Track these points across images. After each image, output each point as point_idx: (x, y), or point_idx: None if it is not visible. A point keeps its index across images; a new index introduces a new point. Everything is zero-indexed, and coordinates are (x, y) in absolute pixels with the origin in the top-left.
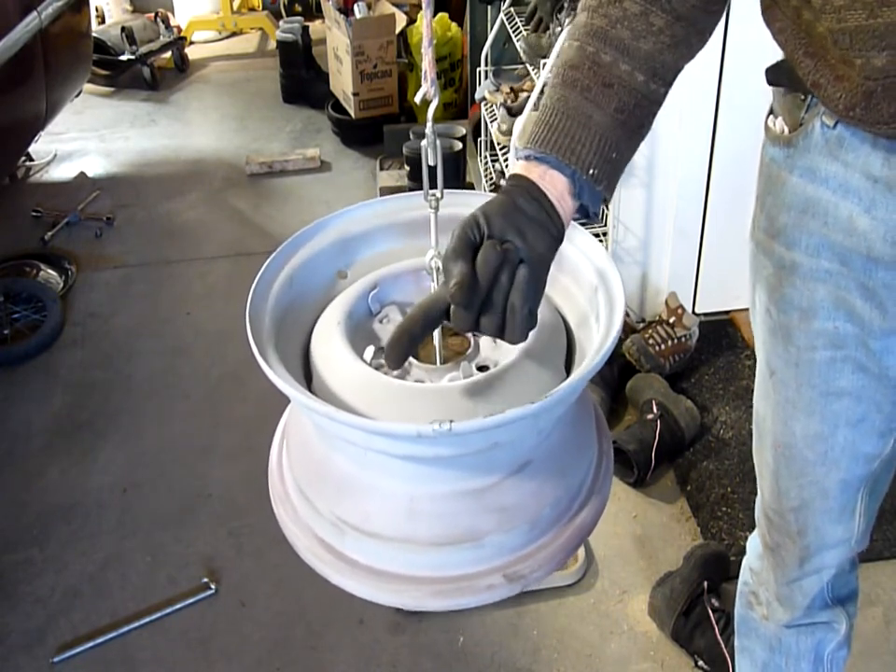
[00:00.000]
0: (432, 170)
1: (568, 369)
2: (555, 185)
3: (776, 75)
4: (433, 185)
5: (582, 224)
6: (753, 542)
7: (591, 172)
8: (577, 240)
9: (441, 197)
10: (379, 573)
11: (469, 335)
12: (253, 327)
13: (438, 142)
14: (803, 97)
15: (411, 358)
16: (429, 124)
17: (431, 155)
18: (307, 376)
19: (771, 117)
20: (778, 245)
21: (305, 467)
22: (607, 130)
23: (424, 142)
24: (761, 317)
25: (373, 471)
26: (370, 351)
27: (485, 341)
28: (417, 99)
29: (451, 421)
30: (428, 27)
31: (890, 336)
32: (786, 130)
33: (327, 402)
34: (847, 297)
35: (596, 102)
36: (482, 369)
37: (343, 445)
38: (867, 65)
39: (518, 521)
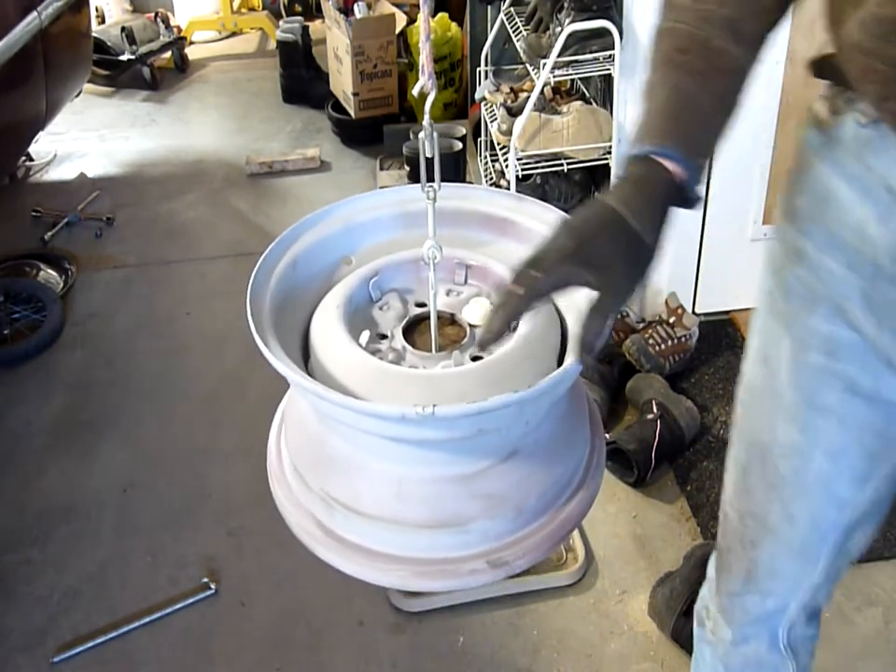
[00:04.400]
0: (429, 162)
1: (562, 362)
2: (679, 174)
3: (819, 70)
4: (430, 178)
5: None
6: (714, 554)
7: (701, 162)
8: None
9: (438, 189)
10: (366, 551)
11: (466, 325)
12: (253, 306)
13: (435, 135)
14: (843, 90)
15: (406, 345)
16: (426, 117)
17: (428, 148)
18: (306, 357)
19: (820, 100)
20: (792, 228)
21: (300, 445)
22: (713, 117)
23: (421, 134)
24: (764, 300)
25: (364, 452)
26: (365, 335)
27: (481, 332)
28: (415, 92)
29: (434, 405)
30: (426, 21)
31: (885, 354)
32: (827, 116)
33: (321, 383)
34: (847, 306)
35: (708, 88)
36: (475, 359)
37: (336, 425)
38: None
39: (503, 508)
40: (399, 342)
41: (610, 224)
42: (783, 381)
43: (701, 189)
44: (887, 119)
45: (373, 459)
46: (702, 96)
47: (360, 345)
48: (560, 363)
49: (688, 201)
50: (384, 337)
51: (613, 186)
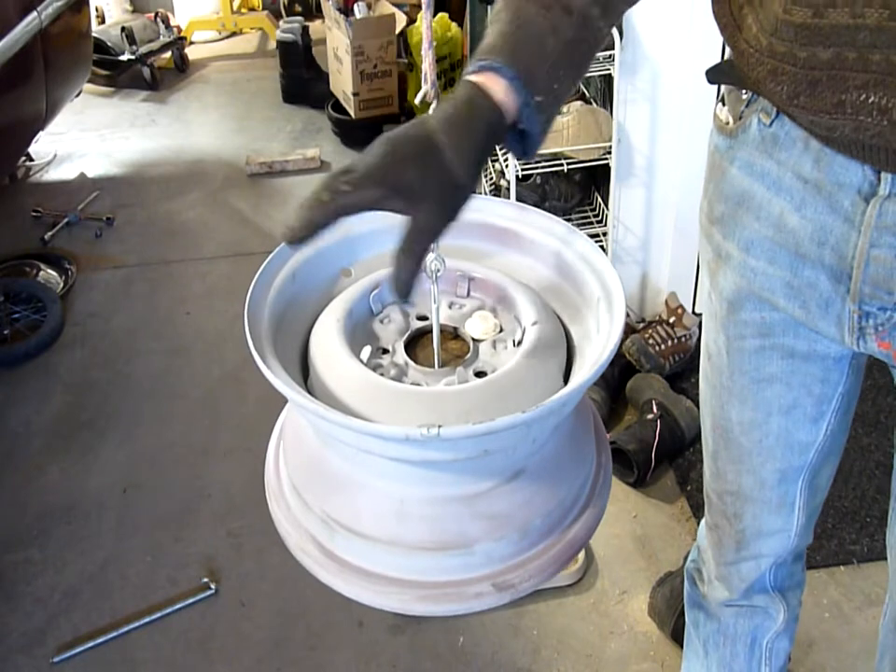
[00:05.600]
0: None
1: (568, 378)
2: (510, 103)
3: (715, 75)
4: None
5: (581, 217)
6: (703, 521)
7: (538, 99)
8: (580, 248)
9: None
10: (367, 574)
11: (469, 340)
12: (251, 320)
13: None
14: (744, 93)
15: (408, 360)
16: None
17: None
18: (305, 372)
19: (720, 105)
20: (716, 232)
21: (299, 464)
22: (557, 60)
23: None
24: (704, 301)
25: (365, 471)
26: (366, 351)
27: (485, 346)
28: (417, 100)
29: (439, 426)
30: (428, 29)
31: (813, 325)
32: (730, 121)
33: (321, 400)
34: (772, 297)
35: (554, 26)
36: (479, 374)
37: (336, 444)
38: (813, 58)
39: (508, 530)
40: (402, 357)
41: (426, 154)
42: (726, 372)
43: (535, 123)
44: (796, 114)
45: (375, 479)
46: (542, 25)
47: (362, 361)
48: (566, 379)
49: (520, 141)
50: (385, 351)
51: (441, 107)
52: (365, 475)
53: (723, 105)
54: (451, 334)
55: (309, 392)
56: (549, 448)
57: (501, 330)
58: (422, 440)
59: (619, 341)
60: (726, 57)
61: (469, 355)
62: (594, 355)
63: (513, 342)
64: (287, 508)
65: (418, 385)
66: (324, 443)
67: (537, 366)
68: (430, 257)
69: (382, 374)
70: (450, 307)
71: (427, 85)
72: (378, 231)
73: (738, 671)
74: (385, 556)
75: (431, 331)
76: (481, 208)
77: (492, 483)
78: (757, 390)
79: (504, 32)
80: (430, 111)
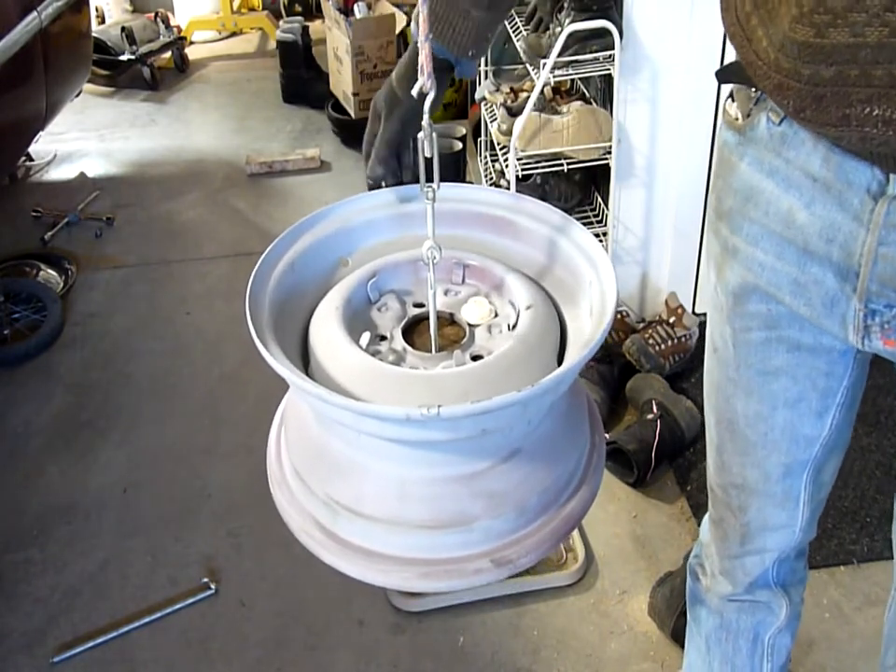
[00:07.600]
0: (428, 162)
1: (562, 360)
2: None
3: (725, 75)
4: (429, 177)
5: (581, 216)
6: (706, 517)
7: (470, 53)
8: (573, 234)
9: (438, 189)
10: (369, 553)
11: (465, 325)
12: (252, 309)
13: (434, 135)
14: (753, 91)
15: (406, 346)
16: (426, 117)
17: (428, 148)
18: (305, 360)
19: (730, 100)
20: (724, 227)
21: (301, 448)
22: (482, 21)
23: (420, 134)
24: (710, 294)
25: (366, 453)
26: (365, 337)
27: (481, 331)
28: (414, 92)
29: (439, 406)
30: (425, 21)
31: (818, 322)
32: (739, 117)
33: (321, 385)
34: (777, 293)
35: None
36: (476, 358)
37: (337, 427)
38: (816, 75)
39: (506, 507)
40: (399, 343)
41: (393, 107)
42: (732, 365)
43: (472, 69)
44: (804, 125)
45: (376, 461)
46: (468, 5)
47: (361, 347)
48: (560, 361)
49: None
50: (383, 338)
51: (399, 66)
52: (366, 458)
53: (732, 100)
54: (447, 320)
55: (310, 378)
56: (544, 428)
57: (496, 315)
58: (422, 419)
59: (611, 321)
60: (735, 59)
61: (465, 339)
62: (587, 336)
63: (508, 326)
64: (289, 492)
65: (416, 369)
66: (326, 428)
67: (531, 349)
68: (426, 245)
69: (381, 360)
70: (446, 294)
71: (424, 77)
72: (374, 221)
73: (740, 666)
74: (388, 536)
75: (428, 318)
76: (476, 198)
77: (489, 462)
78: (763, 383)
79: (432, 9)
80: (426, 102)
